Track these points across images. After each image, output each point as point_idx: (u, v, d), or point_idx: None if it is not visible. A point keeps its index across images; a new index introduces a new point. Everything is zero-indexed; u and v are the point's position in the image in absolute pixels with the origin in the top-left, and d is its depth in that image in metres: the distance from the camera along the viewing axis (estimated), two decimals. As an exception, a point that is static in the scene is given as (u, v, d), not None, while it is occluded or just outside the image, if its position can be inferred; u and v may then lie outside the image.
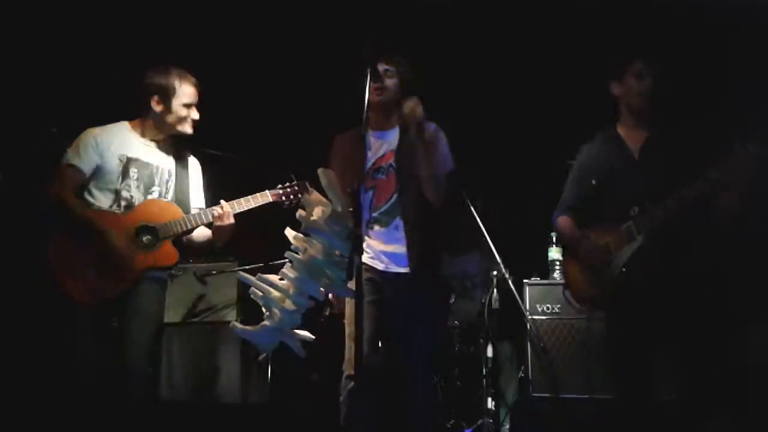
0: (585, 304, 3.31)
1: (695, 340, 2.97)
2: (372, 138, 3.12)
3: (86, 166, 3.20)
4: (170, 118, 3.27)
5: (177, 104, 3.26)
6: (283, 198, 3.35)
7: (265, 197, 3.34)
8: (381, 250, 3.04)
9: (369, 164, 3.10)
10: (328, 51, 4.49)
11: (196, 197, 3.43)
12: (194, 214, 3.27)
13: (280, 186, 3.37)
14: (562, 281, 4.09)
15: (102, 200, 3.22)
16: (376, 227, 3.06)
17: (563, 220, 3.32)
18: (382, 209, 3.07)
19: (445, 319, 4.37)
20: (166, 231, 3.20)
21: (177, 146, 3.42)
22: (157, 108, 3.26)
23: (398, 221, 3.04)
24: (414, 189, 3.03)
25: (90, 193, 3.23)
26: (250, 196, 3.32)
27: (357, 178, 2.63)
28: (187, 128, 3.31)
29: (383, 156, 3.10)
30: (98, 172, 3.22)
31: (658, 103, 3.12)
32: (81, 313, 3.14)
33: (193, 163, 3.48)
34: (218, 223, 3.25)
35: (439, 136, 3.13)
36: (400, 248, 3.03)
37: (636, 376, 3.05)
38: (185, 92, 3.26)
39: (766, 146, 2.78)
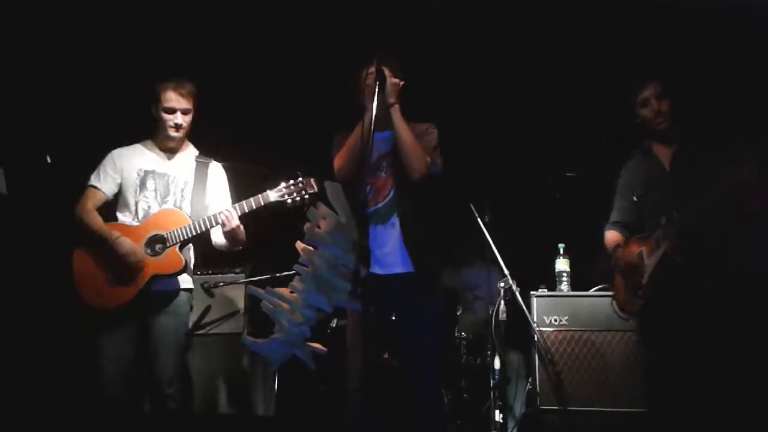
0: (628, 313, 3.45)
1: (718, 345, 3.10)
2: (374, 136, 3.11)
3: (106, 186, 3.44)
4: (158, 124, 3.47)
5: (160, 109, 3.44)
6: (286, 196, 3.36)
7: (265, 198, 3.37)
8: (379, 250, 3.03)
9: (373, 161, 3.11)
10: (330, 52, 4.50)
11: (218, 201, 3.52)
12: (199, 220, 3.37)
13: (283, 184, 3.39)
14: (571, 293, 4.14)
15: (126, 214, 3.43)
16: (373, 224, 3.05)
17: (609, 234, 3.53)
18: (379, 205, 3.07)
19: (445, 322, 4.35)
20: (173, 238, 3.34)
21: (196, 155, 3.57)
22: (153, 114, 3.48)
23: (395, 219, 3.04)
24: (411, 187, 3.03)
25: (119, 209, 3.46)
26: (250, 198, 3.38)
27: (361, 177, 2.63)
28: (171, 132, 3.46)
29: (384, 155, 3.12)
30: (121, 188, 3.46)
31: (672, 119, 3.31)
32: (102, 322, 3.30)
33: (215, 169, 3.60)
34: (224, 230, 3.37)
35: (428, 129, 3.16)
36: (398, 246, 3.02)
37: (664, 382, 3.19)
38: (166, 98, 3.43)
39: None
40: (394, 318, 3.13)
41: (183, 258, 3.35)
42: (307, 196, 3.34)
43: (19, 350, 3.90)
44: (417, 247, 3.02)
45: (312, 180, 3.37)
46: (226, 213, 3.33)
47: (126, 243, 3.28)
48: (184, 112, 3.44)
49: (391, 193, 3.08)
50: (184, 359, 4.35)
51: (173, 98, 3.42)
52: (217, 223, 3.35)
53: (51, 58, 4.47)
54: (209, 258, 4.06)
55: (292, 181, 3.39)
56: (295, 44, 4.81)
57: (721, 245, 3.11)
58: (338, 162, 3.09)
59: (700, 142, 3.28)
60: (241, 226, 3.40)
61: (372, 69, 2.83)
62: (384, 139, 3.11)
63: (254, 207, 3.36)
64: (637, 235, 3.40)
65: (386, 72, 2.90)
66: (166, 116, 3.43)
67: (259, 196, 3.38)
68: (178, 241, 3.33)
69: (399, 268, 3.03)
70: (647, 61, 3.40)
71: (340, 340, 3.22)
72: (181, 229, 3.34)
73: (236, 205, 3.37)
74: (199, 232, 3.36)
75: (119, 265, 3.28)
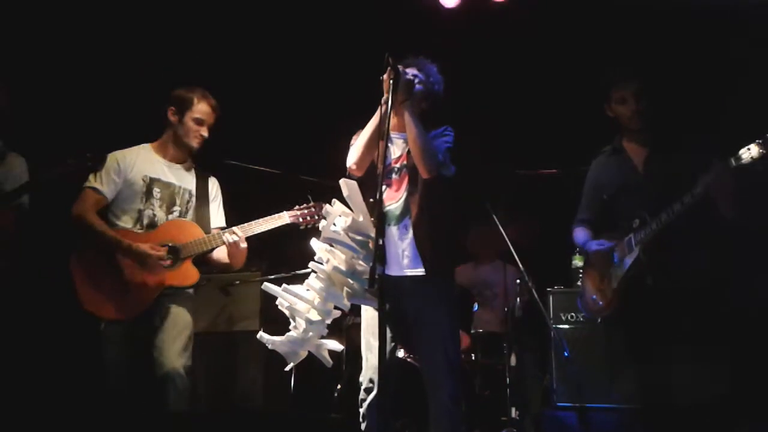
0: (594, 313, 3.40)
1: (694, 348, 3.07)
2: (391, 138, 3.11)
3: (107, 189, 3.31)
4: (180, 130, 3.39)
5: (189, 117, 3.38)
6: (300, 219, 3.45)
7: (281, 219, 3.42)
8: (391, 251, 3.03)
9: (387, 163, 3.10)
10: (350, 60, 4.51)
11: (217, 217, 3.51)
12: (214, 235, 3.34)
13: (297, 207, 3.46)
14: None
15: (125, 220, 3.31)
16: (386, 225, 3.03)
17: (578, 230, 3.47)
18: (392, 206, 3.07)
19: (462, 321, 4.35)
20: (188, 251, 3.28)
21: (198, 167, 3.52)
22: (172, 119, 3.39)
23: (407, 221, 3.04)
24: (425, 189, 3.03)
25: (114, 214, 3.33)
26: (267, 218, 3.41)
27: (376, 175, 2.63)
28: (194, 142, 3.41)
29: (399, 157, 3.12)
30: (121, 193, 3.33)
31: (649, 120, 3.25)
32: (108, 328, 3.22)
33: (213, 184, 3.56)
34: (232, 250, 3.33)
35: (444, 132, 3.15)
36: (410, 248, 3.02)
37: (642, 383, 3.15)
38: (200, 109, 3.38)
39: (742, 159, 2.87)
40: (408, 317, 3.12)
41: (198, 271, 3.31)
42: (317, 222, 3.38)
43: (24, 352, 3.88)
44: (429, 249, 3.01)
45: (323, 204, 3.36)
46: (239, 234, 3.32)
47: (142, 245, 3.20)
48: (209, 128, 3.43)
49: (405, 194, 3.08)
50: (196, 358, 4.40)
51: (207, 112, 3.40)
52: (230, 241, 3.32)
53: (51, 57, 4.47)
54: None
55: (305, 205, 3.46)
56: (306, 47, 4.83)
57: (693, 250, 3.07)
58: (350, 157, 3.09)
59: (674, 146, 3.20)
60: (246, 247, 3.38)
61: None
62: (400, 141, 3.11)
63: (270, 228, 3.40)
64: (606, 234, 3.33)
65: (401, 70, 2.90)
66: (194, 126, 3.38)
67: (276, 216, 3.41)
68: (193, 253, 3.29)
69: (411, 270, 3.02)
70: (630, 60, 3.39)
71: (356, 337, 3.22)
72: (197, 241, 3.29)
73: (251, 223, 3.37)
74: (216, 246, 3.34)
75: (130, 275, 3.20)
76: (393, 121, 2.85)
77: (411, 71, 3.04)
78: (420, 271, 2.99)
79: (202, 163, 3.56)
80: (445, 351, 2.98)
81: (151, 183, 3.36)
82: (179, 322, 3.25)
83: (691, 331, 3.05)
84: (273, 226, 3.41)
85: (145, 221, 3.32)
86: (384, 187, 3.03)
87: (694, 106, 4.12)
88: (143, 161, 3.40)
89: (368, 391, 2.99)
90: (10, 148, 3.59)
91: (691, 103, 4.13)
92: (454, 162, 3.12)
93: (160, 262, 3.22)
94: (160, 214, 3.34)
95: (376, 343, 2.91)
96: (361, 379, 3.04)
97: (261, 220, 3.40)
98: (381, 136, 2.68)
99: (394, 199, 3.08)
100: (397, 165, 3.12)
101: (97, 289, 3.20)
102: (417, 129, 2.97)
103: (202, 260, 3.42)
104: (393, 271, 2.97)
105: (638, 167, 3.26)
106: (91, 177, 3.33)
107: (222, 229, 3.44)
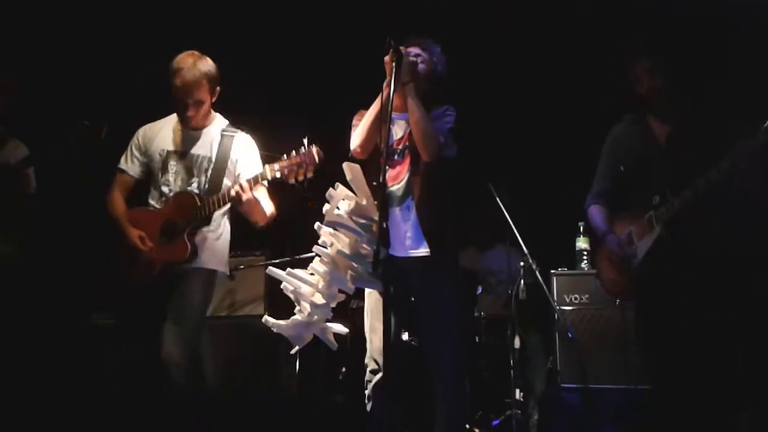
0: (614, 294, 3.31)
1: (720, 329, 2.94)
2: (393, 119, 3.10)
3: (132, 168, 3.34)
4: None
5: (172, 92, 3.19)
6: (286, 171, 3.08)
7: (263, 175, 3.12)
8: (395, 232, 3.02)
9: (390, 144, 3.09)
10: (352, 41, 4.49)
11: (248, 172, 3.25)
12: (210, 200, 3.17)
13: (285, 159, 3.10)
14: (591, 271, 4.10)
15: (154, 196, 3.30)
16: (389, 206, 3.03)
17: (594, 210, 3.34)
18: (395, 187, 3.07)
19: (466, 303, 4.36)
20: (183, 223, 3.19)
21: (223, 127, 3.36)
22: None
23: (410, 201, 3.04)
24: (427, 170, 3.03)
25: (149, 192, 3.32)
26: (250, 176, 3.16)
27: (379, 157, 2.63)
28: (185, 116, 3.23)
29: (401, 138, 3.11)
30: (148, 169, 3.33)
31: (674, 94, 3.13)
32: (131, 311, 3.27)
33: (240, 141, 3.34)
34: (238, 204, 3.19)
35: (446, 112, 3.14)
36: (413, 229, 3.03)
37: (665, 366, 3.04)
38: (174, 85, 3.17)
39: None
40: (413, 299, 3.13)
41: (189, 245, 3.18)
42: (310, 174, 3.08)
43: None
44: (432, 230, 3.01)
45: (314, 151, 3.08)
46: (244, 185, 3.11)
47: (130, 237, 3.20)
48: (192, 94, 3.17)
49: (407, 175, 3.08)
50: (202, 342, 4.42)
51: (177, 87, 3.16)
52: (227, 201, 3.15)
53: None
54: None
55: (294, 153, 3.09)
56: (307, 30, 4.81)
57: (718, 226, 2.94)
58: (354, 140, 3.08)
59: (698, 121, 3.07)
60: (256, 198, 3.17)
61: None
62: (402, 122, 3.10)
63: (252, 185, 3.14)
64: (625, 213, 3.23)
65: (403, 51, 2.89)
66: (177, 99, 3.20)
67: (257, 174, 3.15)
68: (188, 225, 3.18)
69: (415, 251, 3.02)
70: (645, 36, 3.25)
71: (360, 320, 3.23)
72: (192, 213, 3.18)
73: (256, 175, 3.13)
74: (210, 211, 3.18)
75: (137, 254, 3.20)
76: (395, 102, 2.83)
77: (414, 50, 3.03)
78: (424, 252, 2.99)
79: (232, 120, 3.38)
80: (449, 333, 3.00)
81: (167, 157, 3.28)
82: (176, 308, 3.19)
83: (715, 314, 2.93)
84: (255, 183, 3.13)
85: (164, 198, 3.27)
86: (386, 168, 3.03)
87: (717, 78, 3.99)
88: (164, 134, 3.32)
89: (373, 373, 3.01)
90: (11, 134, 3.62)
91: (714, 74, 3.99)
92: (456, 143, 3.11)
93: (143, 256, 3.19)
94: (176, 189, 3.26)
95: (380, 326, 2.92)
96: (366, 361, 3.06)
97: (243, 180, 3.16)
98: (384, 119, 2.68)
99: (396, 180, 3.07)
100: (400, 146, 3.11)
101: (119, 275, 3.27)
102: (419, 111, 2.96)
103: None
104: (397, 252, 2.98)
105: (660, 140, 3.14)
106: (122, 158, 3.34)
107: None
